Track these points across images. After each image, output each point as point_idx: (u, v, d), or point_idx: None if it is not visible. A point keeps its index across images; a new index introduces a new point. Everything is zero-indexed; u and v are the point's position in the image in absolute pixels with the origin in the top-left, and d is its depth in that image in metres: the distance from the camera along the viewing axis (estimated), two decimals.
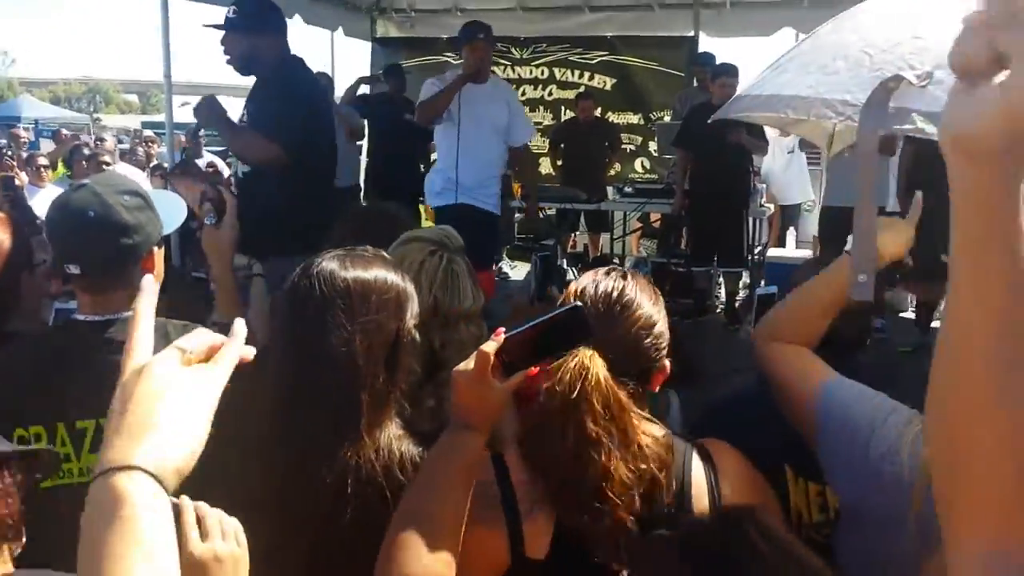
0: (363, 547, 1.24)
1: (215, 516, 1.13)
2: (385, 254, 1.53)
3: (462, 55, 5.22)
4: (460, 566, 1.19)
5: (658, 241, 8.42)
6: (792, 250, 7.03)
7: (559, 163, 8.42)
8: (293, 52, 3.57)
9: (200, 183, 2.10)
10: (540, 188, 8.33)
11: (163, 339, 0.85)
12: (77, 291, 1.82)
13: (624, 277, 1.40)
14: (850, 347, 1.76)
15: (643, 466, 1.27)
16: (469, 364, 1.24)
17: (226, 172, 9.39)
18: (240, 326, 0.89)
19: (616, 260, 7.77)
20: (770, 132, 9.22)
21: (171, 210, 2.11)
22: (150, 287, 0.88)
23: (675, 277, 6.97)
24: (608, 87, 9.28)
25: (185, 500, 1.12)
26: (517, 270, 8.52)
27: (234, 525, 1.13)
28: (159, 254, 1.88)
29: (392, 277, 1.45)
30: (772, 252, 7.16)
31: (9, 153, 9.26)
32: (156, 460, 0.76)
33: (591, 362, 1.25)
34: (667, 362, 1.40)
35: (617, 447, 1.25)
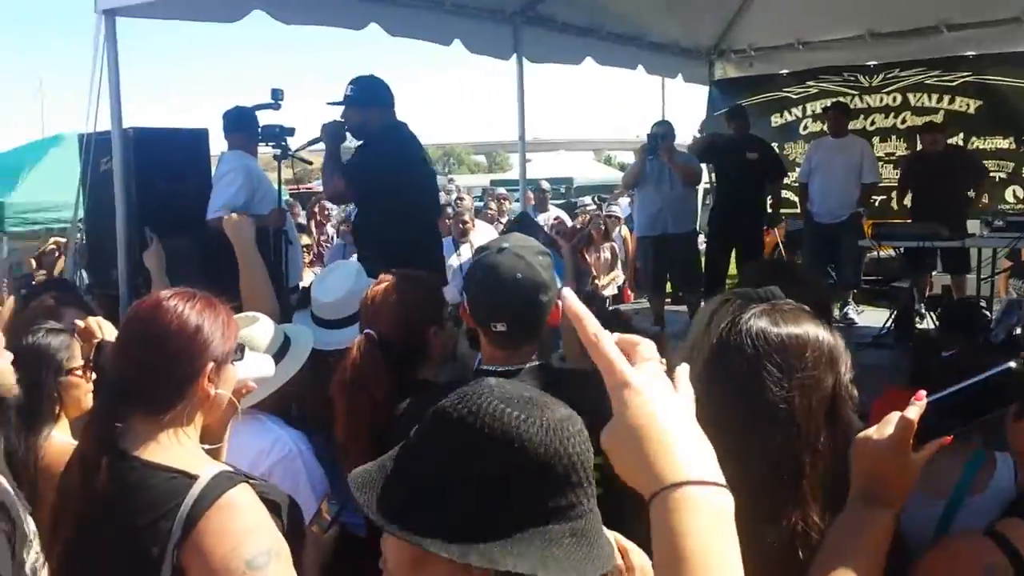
0: None
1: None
2: (807, 308, 1.44)
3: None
4: None
5: None
6: None
7: (909, 197, 7.76)
8: (399, 120, 4.37)
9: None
10: (889, 225, 7.73)
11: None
12: (489, 345, 1.95)
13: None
14: None
15: None
16: (882, 431, 1.16)
17: (568, 223, 9.87)
18: (648, 344, 0.89)
19: (983, 303, 6.91)
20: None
21: (558, 263, 2.25)
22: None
23: None
24: (972, 110, 8.39)
25: None
26: (864, 315, 7.91)
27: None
28: (559, 307, 1.99)
29: (822, 332, 1.37)
30: None
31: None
32: (716, 476, 0.82)
33: None
34: None
35: None
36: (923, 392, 1.16)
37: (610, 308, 8.38)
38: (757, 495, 1.26)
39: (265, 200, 4.75)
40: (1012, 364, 1.17)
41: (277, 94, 4.60)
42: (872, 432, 1.18)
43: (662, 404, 0.82)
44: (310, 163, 5.17)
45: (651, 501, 0.79)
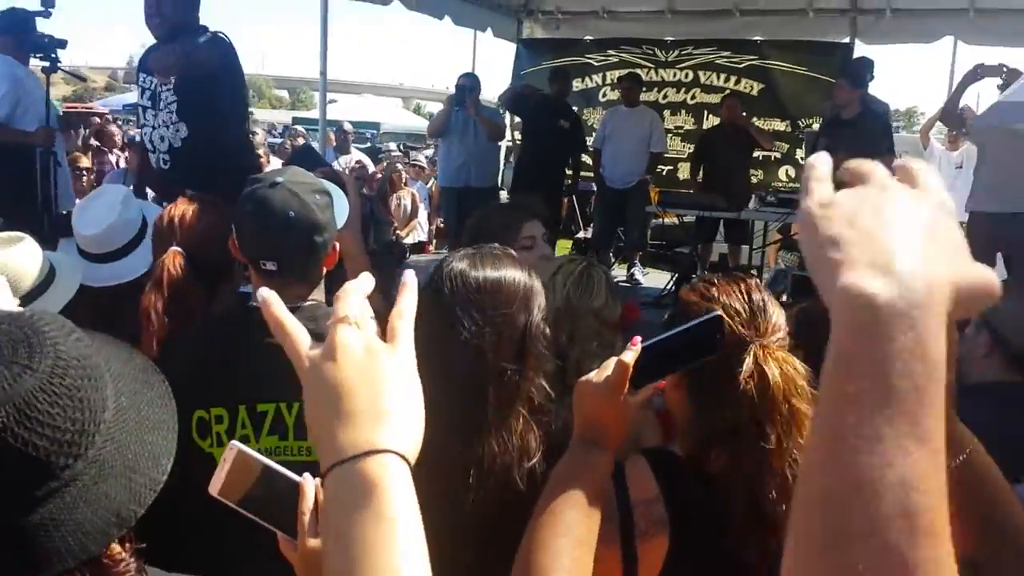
0: (483, 534, 1.25)
1: None
2: (513, 252, 1.57)
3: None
4: None
5: (800, 254, 8.08)
6: None
7: (700, 170, 8.24)
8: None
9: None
10: (673, 194, 8.19)
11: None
12: (259, 281, 1.84)
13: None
14: None
15: None
16: (601, 375, 1.21)
17: (371, 168, 9.68)
18: (409, 279, 0.81)
19: (755, 272, 7.52)
20: (937, 145, 8.74)
21: (341, 203, 2.16)
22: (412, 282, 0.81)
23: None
24: (755, 91, 9.01)
25: (307, 482, 1.11)
26: (649, 277, 8.38)
27: None
28: (337, 248, 1.92)
29: (520, 274, 1.49)
30: None
31: None
32: (400, 443, 0.71)
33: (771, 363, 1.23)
34: None
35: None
36: (638, 338, 1.22)
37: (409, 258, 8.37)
38: (450, 425, 1.33)
39: (29, 115, 4.33)
40: (719, 312, 1.25)
41: (48, 0, 4.17)
42: (592, 376, 1.22)
43: (333, 369, 0.75)
44: (84, 79, 4.76)
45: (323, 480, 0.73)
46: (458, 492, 1.35)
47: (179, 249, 2.10)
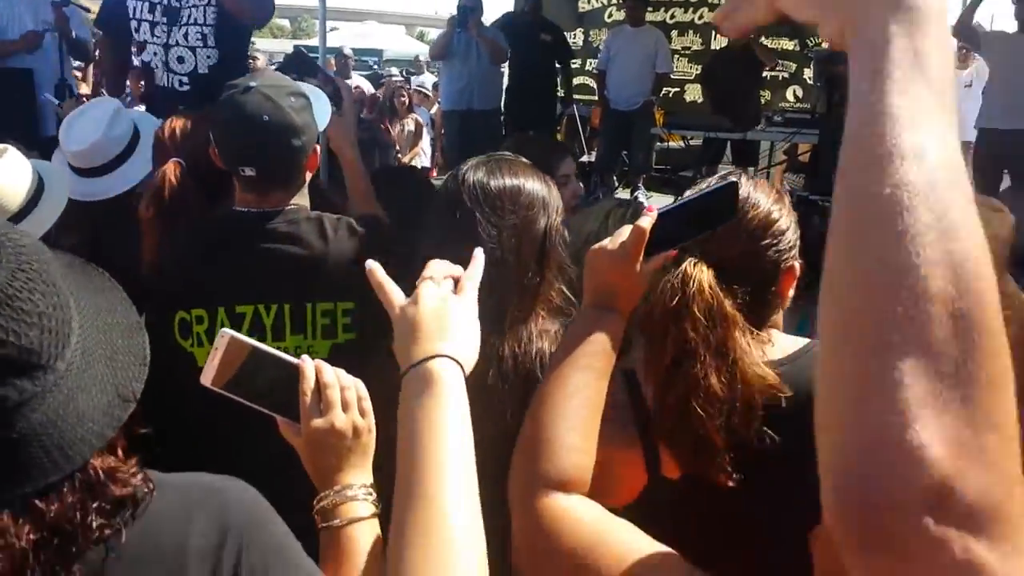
0: (497, 436, 1.24)
1: (336, 385, 1.12)
2: (526, 160, 1.57)
3: None
4: (599, 488, 1.14)
5: (806, 175, 8.01)
6: None
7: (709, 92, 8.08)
8: None
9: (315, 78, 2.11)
10: (684, 116, 8.06)
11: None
12: (241, 189, 1.85)
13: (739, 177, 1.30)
14: None
15: (739, 385, 1.15)
16: (616, 241, 1.20)
17: (369, 91, 9.54)
18: (479, 255, 1.12)
19: None
20: None
21: (322, 106, 2.13)
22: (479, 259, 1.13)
23: (824, 212, 6.64)
24: None
25: (306, 363, 1.12)
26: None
27: (360, 393, 1.13)
28: (317, 151, 1.91)
29: (536, 180, 1.50)
30: None
31: None
32: (456, 352, 0.99)
33: (695, 269, 1.18)
34: (796, 263, 1.28)
35: (713, 357, 1.15)
36: (654, 204, 1.21)
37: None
38: None
39: (12, 25, 4.30)
40: (734, 179, 1.23)
41: None
42: (607, 243, 1.22)
43: (415, 309, 1.03)
44: (88, 10, 4.68)
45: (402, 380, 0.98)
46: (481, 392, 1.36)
47: (179, 160, 2.09)
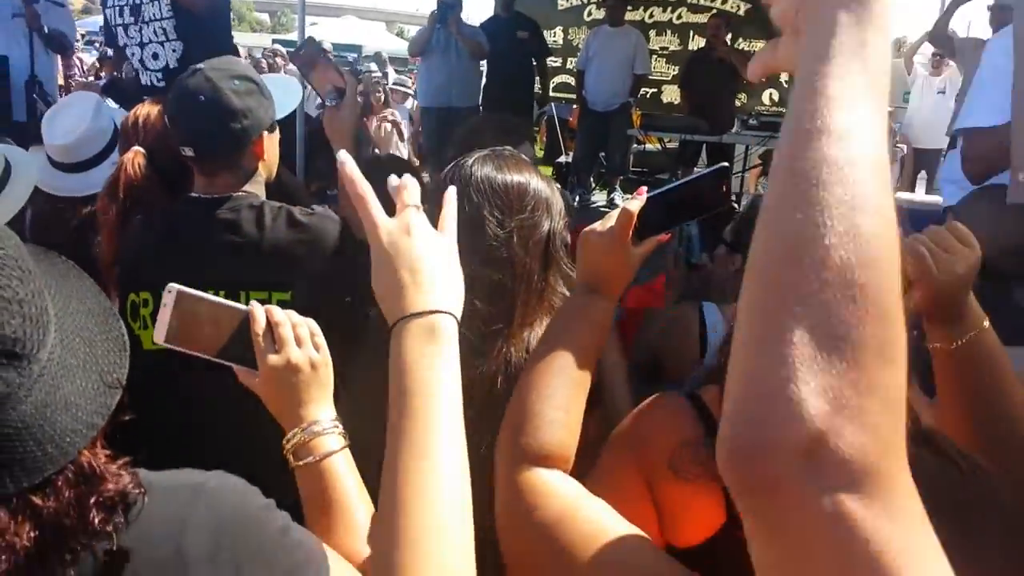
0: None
1: (287, 323, 1.14)
2: (526, 158, 1.56)
3: None
4: (673, 527, 1.11)
5: None
6: (920, 195, 6.57)
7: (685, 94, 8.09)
8: None
9: (323, 61, 2.07)
10: (655, 117, 8.07)
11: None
12: (195, 171, 1.87)
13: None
14: (1007, 280, 1.59)
15: None
16: (606, 224, 1.19)
17: None
18: (452, 195, 1.04)
19: (734, 198, 7.47)
20: (920, 71, 8.62)
21: (286, 94, 2.10)
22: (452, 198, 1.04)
23: None
24: (741, 11, 8.84)
25: (256, 307, 1.14)
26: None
27: (312, 329, 1.15)
28: (271, 139, 1.89)
29: (541, 180, 1.48)
30: (899, 195, 6.71)
31: None
32: (455, 309, 0.95)
33: None
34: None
35: None
36: (644, 188, 1.20)
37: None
38: (473, 329, 1.34)
39: None
40: (726, 164, 1.23)
41: None
42: (597, 225, 1.21)
43: (408, 242, 0.95)
44: (63, 5, 4.71)
45: (391, 332, 0.92)
46: (489, 391, 1.34)
47: (140, 149, 2.08)
